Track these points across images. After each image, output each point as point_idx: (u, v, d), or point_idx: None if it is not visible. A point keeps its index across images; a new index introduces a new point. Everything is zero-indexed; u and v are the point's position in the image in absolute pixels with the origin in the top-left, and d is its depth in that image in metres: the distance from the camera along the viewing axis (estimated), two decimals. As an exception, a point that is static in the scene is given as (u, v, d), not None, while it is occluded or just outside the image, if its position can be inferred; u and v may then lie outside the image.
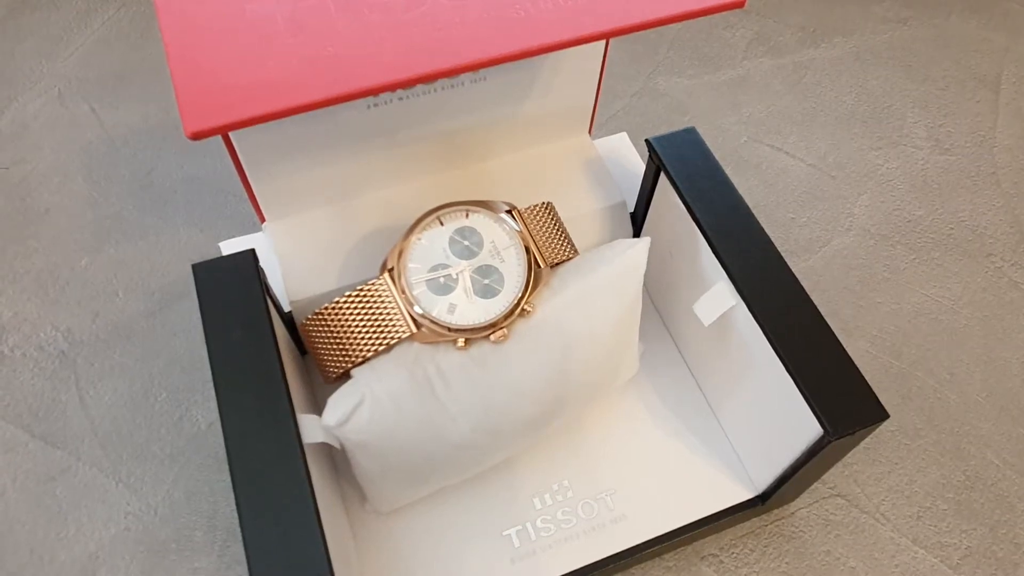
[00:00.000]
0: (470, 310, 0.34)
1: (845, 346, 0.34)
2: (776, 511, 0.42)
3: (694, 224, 0.38)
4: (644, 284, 0.47)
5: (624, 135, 0.50)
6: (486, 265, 0.35)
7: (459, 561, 0.38)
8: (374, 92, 0.28)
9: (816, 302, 0.35)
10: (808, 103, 0.61)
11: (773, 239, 0.37)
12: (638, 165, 0.48)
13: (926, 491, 0.43)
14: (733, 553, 0.41)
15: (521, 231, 0.36)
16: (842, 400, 0.32)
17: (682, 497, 0.40)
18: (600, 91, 0.44)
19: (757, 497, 0.40)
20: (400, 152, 0.42)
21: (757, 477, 0.40)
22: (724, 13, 0.32)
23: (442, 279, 0.35)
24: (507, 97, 0.42)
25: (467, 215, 0.36)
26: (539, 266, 0.36)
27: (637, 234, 0.46)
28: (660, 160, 0.40)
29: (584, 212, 0.44)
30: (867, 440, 0.45)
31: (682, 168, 0.39)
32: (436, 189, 0.44)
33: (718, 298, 0.37)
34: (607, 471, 0.40)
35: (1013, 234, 0.54)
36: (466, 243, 0.35)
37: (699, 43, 0.65)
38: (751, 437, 0.40)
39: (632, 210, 0.46)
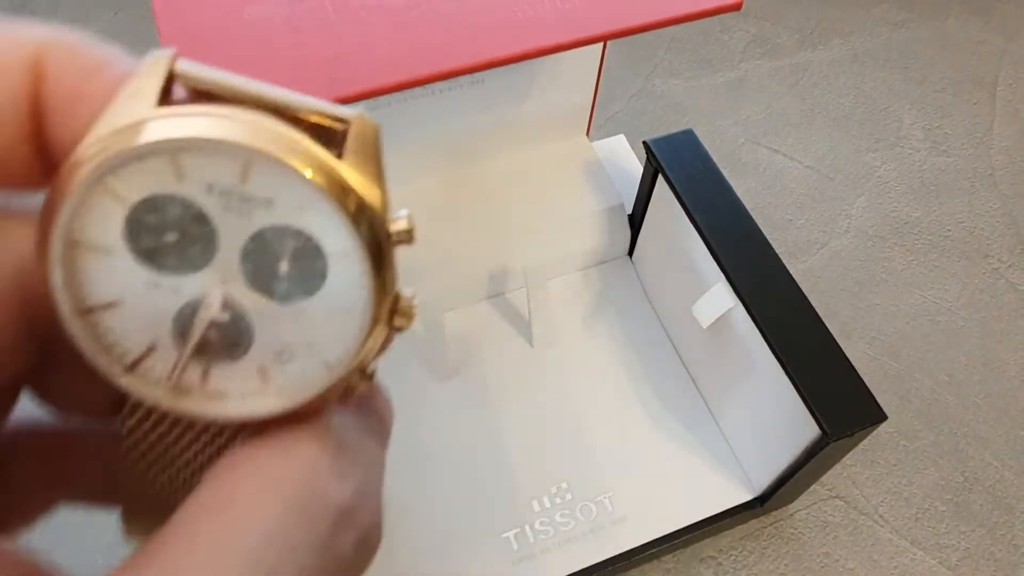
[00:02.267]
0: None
1: (843, 348, 0.34)
2: (775, 513, 0.42)
3: (692, 226, 0.38)
4: (643, 286, 0.47)
5: (622, 137, 0.50)
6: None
7: (458, 563, 0.38)
8: (372, 95, 0.28)
9: (814, 304, 0.35)
10: (806, 105, 0.61)
11: (771, 241, 0.37)
12: (636, 167, 0.48)
13: (924, 492, 0.43)
14: (732, 555, 0.41)
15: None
16: (840, 402, 0.32)
17: (681, 499, 0.40)
18: (598, 93, 0.45)
19: (756, 499, 0.40)
20: (399, 154, 0.42)
21: (756, 479, 0.40)
22: (722, 15, 0.32)
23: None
24: (505, 99, 0.42)
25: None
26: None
27: (635, 236, 0.47)
28: (658, 162, 0.40)
29: (582, 214, 0.44)
30: (865, 442, 0.45)
31: (680, 170, 0.40)
32: (435, 191, 0.44)
33: (716, 300, 0.37)
34: (606, 473, 0.40)
35: (1010, 235, 0.54)
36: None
37: (697, 45, 0.65)
38: (750, 439, 0.40)
39: (630, 212, 0.46)
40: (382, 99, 0.38)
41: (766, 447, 0.38)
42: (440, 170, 0.44)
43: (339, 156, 0.12)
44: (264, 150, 0.11)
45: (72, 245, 0.12)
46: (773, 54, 0.64)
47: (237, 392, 0.13)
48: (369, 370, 0.14)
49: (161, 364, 0.13)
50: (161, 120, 0.11)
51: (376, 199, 0.12)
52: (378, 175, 0.13)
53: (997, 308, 0.51)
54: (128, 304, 0.12)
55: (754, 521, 0.42)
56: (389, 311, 0.13)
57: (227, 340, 0.13)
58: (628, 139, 0.50)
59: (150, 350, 0.13)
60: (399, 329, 0.13)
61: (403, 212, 0.13)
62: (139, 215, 0.12)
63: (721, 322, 0.38)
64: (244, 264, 0.12)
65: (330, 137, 0.12)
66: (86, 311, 0.12)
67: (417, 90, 0.38)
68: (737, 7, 0.31)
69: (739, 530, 0.41)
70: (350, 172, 0.12)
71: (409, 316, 0.13)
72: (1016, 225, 0.55)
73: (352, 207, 0.12)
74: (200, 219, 0.12)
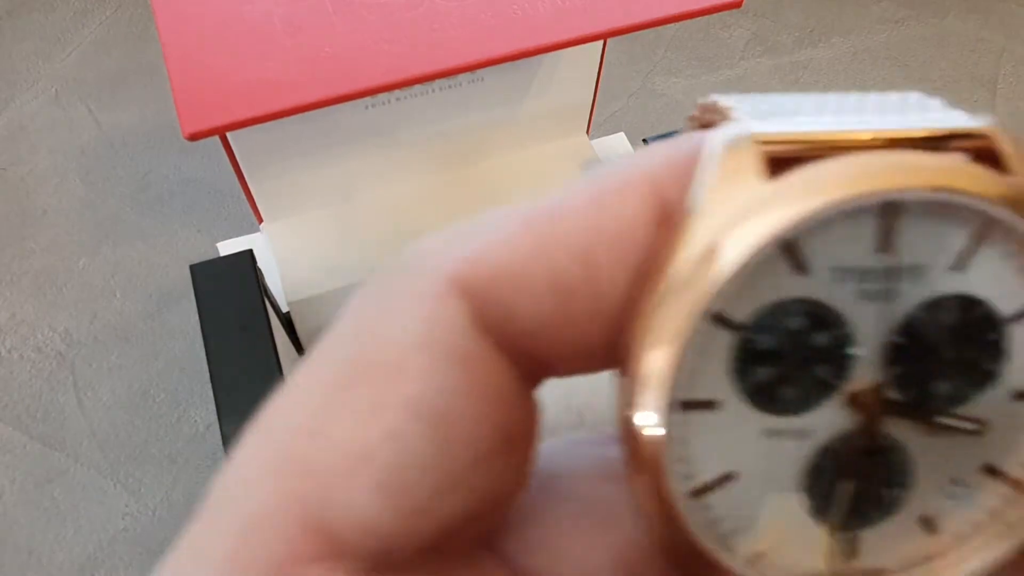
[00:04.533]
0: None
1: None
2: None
3: (692, 224, 0.38)
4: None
5: (622, 135, 0.50)
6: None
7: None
8: (371, 93, 0.28)
9: (814, 302, 0.35)
10: (806, 103, 0.61)
11: (771, 239, 0.37)
12: (636, 165, 0.48)
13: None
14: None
15: None
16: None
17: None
18: (598, 91, 0.45)
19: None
20: (398, 152, 0.42)
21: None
22: (721, 13, 0.32)
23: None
24: (505, 97, 0.42)
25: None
26: None
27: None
28: (658, 160, 0.40)
29: (582, 212, 0.44)
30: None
31: (680, 168, 0.39)
32: (434, 189, 0.44)
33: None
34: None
35: (1010, 233, 0.54)
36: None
37: (697, 43, 0.65)
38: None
39: (630, 210, 0.46)
40: (381, 97, 0.38)
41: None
42: (440, 168, 0.44)
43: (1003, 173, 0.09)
44: (909, 187, 0.08)
45: (675, 408, 0.09)
46: (773, 52, 0.64)
47: (897, 566, 0.09)
48: None
49: (789, 548, 0.09)
50: (774, 201, 0.08)
51: None
52: None
53: (997, 306, 0.51)
54: (746, 470, 0.09)
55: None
56: None
57: (879, 488, 0.09)
58: (628, 137, 0.50)
59: (776, 529, 0.09)
60: None
61: None
62: (751, 340, 0.09)
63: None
64: (893, 370, 0.09)
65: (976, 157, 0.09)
66: (698, 493, 0.09)
67: (416, 88, 0.38)
68: (737, 5, 0.31)
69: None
70: None
71: None
72: (1016, 223, 0.55)
73: None
74: (828, 321, 0.09)
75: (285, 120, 0.35)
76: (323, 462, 0.09)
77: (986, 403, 0.09)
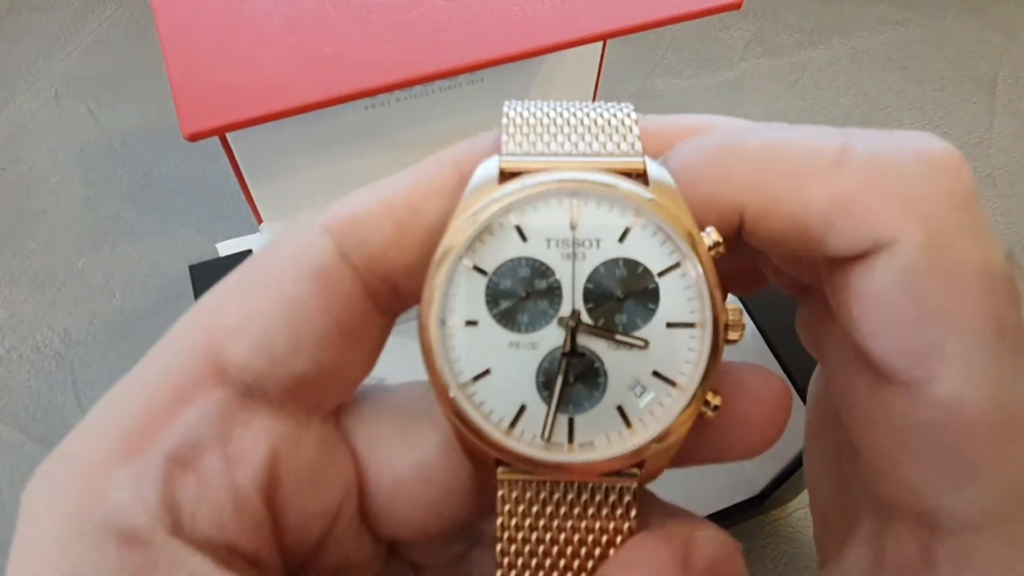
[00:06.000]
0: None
1: (842, 347, 0.34)
2: (774, 512, 0.42)
3: (691, 225, 0.38)
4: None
5: (621, 136, 0.50)
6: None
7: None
8: (371, 93, 0.28)
9: (813, 303, 0.35)
10: (805, 104, 0.61)
11: (770, 240, 0.37)
12: (635, 166, 0.48)
13: (923, 492, 0.43)
14: (730, 554, 0.41)
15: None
16: (839, 401, 0.32)
17: (679, 498, 0.40)
18: (597, 92, 0.45)
19: (755, 498, 0.40)
20: (398, 153, 0.42)
21: (754, 478, 0.40)
22: (721, 14, 0.32)
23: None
24: (504, 98, 0.42)
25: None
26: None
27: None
28: (657, 161, 0.40)
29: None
30: (864, 441, 0.45)
31: (679, 169, 0.40)
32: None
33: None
34: (605, 472, 0.40)
35: (1010, 235, 0.54)
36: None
37: (696, 44, 0.65)
38: (748, 438, 0.40)
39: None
40: (380, 97, 0.38)
41: (765, 446, 0.38)
42: (439, 169, 0.44)
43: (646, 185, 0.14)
44: (583, 189, 0.13)
45: (444, 325, 0.14)
46: (772, 53, 0.64)
47: (603, 437, 0.14)
48: (714, 401, 0.14)
49: (532, 424, 0.14)
50: (500, 196, 0.14)
51: (687, 216, 0.13)
52: (679, 197, 0.14)
53: (996, 307, 0.51)
54: (497, 369, 0.14)
55: (753, 520, 0.42)
56: (724, 324, 0.14)
57: (585, 385, 0.14)
58: (627, 138, 0.50)
59: (522, 410, 0.14)
60: (732, 342, 0.14)
61: (709, 229, 0.14)
62: (496, 282, 0.14)
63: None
64: (586, 304, 0.14)
65: (632, 177, 0.14)
66: (465, 385, 0.14)
67: (416, 88, 0.38)
68: (736, 6, 0.31)
69: (737, 529, 0.41)
70: (659, 196, 0.13)
71: (739, 327, 0.14)
72: (1015, 224, 0.55)
73: (672, 223, 0.13)
74: (544, 272, 0.14)
75: (285, 120, 0.35)
76: (222, 324, 0.14)
77: (649, 328, 0.14)
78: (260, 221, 0.42)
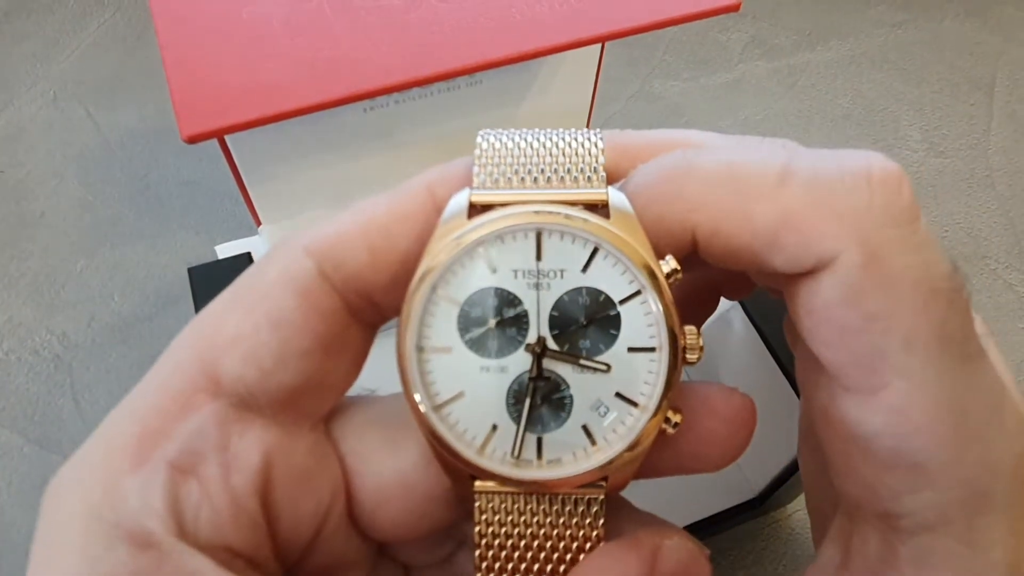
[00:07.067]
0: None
1: (841, 348, 0.34)
2: (773, 513, 0.42)
3: (690, 227, 0.38)
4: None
5: (620, 138, 0.50)
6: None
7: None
8: (370, 95, 0.28)
9: (812, 305, 0.35)
10: (803, 106, 0.61)
11: (769, 242, 0.37)
12: (634, 168, 0.48)
13: (922, 493, 0.43)
14: (730, 556, 0.41)
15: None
16: (839, 402, 0.32)
17: (678, 499, 0.40)
18: (596, 94, 0.45)
19: (754, 499, 0.40)
20: (397, 155, 0.42)
21: (753, 479, 0.40)
22: (719, 16, 0.32)
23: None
24: (503, 100, 0.42)
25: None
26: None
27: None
28: (656, 163, 0.40)
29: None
30: (863, 442, 0.45)
31: (678, 171, 0.40)
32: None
33: (715, 301, 0.37)
34: (604, 474, 0.40)
35: (1008, 237, 0.54)
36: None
37: (695, 46, 0.65)
38: (748, 439, 0.40)
39: (628, 213, 0.46)
40: (379, 100, 0.38)
41: (763, 447, 0.38)
42: (438, 171, 0.44)
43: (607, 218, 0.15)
44: (547, 223, 0.14)
45: (421, 350, 0.15)
46: (771, 55, 0.65)
47: (570, 454, 0.15)
48: (675, 418, 0.15)
49: (503, 443, 0.15)
50: (471, 228, 0.14)
51: (645, 246, 0.14)
52: (638, 225, 0.14)
53: (995, 309, 0.51)
54: (469, 392, 0.15)
55: (752, 522, 0.42)
56: (681, 347, 0.15)
57: (552, 406, 0.15)
58: (626, 140, 0.50)
59: (493, 430, 0.15)
60: (690, 363, 0.15)
61: (668, 257, 0.14)
62: (467, 311, 0.15)
63: (719, 322, 0.38)
64: (552, 331, 0.15)
65: (594, 209, 0.15)
66: (440, 406, 0.15)
67: (415, 91, 0.38)
68: (735, 8, 0.31)
69: (737, 531, 0.41)
70: (620, 228, 0.14)
71: (696, 349, 0.15)
72: (1014, 226, 0.55)
73: (630, 254, 0.14)
74: (512, 302, 0.15)
75: (284, 123, 0.35)
76: (217, 339, 0.15)
77: (611, 353, 0.15)
78: (259, 223, 0.42)
